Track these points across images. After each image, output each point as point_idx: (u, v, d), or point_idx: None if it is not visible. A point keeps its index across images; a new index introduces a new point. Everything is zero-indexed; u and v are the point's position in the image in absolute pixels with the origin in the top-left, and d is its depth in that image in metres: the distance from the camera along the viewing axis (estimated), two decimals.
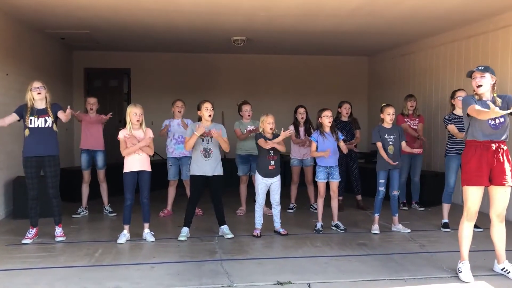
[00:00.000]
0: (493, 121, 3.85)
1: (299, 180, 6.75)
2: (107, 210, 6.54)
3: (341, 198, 6.84)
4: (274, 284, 3.83)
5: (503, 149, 3.90)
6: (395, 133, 5.47)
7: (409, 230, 5.54)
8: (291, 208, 6.79)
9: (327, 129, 5.52)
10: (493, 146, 3.87)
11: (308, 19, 6.73)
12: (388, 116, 5.44)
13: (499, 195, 3.92)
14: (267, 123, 5.30)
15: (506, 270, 4.00)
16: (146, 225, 5.23)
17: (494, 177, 3.89)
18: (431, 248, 4.90)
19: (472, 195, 3.91)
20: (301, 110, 6.58)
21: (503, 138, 3.91)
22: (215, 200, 5.37)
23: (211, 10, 6.25)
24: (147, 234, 5.19)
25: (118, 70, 10.15)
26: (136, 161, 5.10)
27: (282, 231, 5.41)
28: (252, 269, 4.24)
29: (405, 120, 6.74)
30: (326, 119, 5.48)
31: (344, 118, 6.76)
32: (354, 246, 4.98)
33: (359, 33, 7.73)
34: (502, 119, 3.86)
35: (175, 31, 7.62)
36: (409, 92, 7.41)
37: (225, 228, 5.35)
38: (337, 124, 6.44)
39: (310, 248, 4.90)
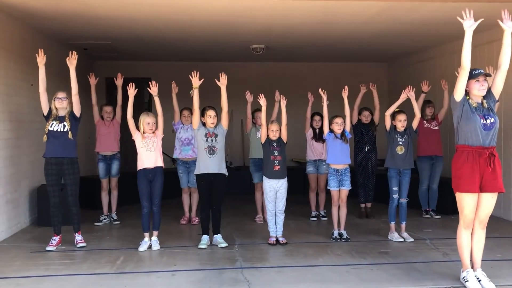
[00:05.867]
0: (484, 121, 3.80)
1: (317, 187, 6.74)
2: (112, 218, 6.61)
3: (369, 205, 6.80)
4: None
5: (494, 156, 3.84)
6: (406, 135, 5.48)
7: (412, 239, 5.43)
8: (314, 217, 6.76)
9: (338, 134, 5.59)
10: (486, 153, 3.81)
11: (326, 26, 6.73)
12: (400, 123, 5.46)
13: (486, 202, 3.86)
14: (270, 131, 5.37)
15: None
16: (155, 233, 5.27)
17: (486, 184, 3.82)
18: (455, 256, 4.77)
19: (468, 203, 3.85)
20: (317, 118, 6.63)
21: (493, 143, 3.84)
22: (215, 204, 5.31)
23: (229, 20, 6.31)
24: (154, 241, 5.22)
25: (139, 79, 10.27)
26: (149, 158, 5.18)
27: (282, 240, 5.36)
28: (272, 277, 4.23)
29: (425, 124, 6.75)
30: (336, 126, 5.54)
31: (365, 122, 6.83)
32: (376, 254, 4.93)
33: (378, 40, 7.69)
34: (493, 119, 3.82)
35: (194, 41, 7.70)
36: (429, 98, 7.33)
37: (218, 237, 5.31)
38: (358, 125, 6.73)
39: (330, 257, 4.87)
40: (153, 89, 5.44)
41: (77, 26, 6.63)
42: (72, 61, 5.20)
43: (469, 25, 3.72)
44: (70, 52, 5.24)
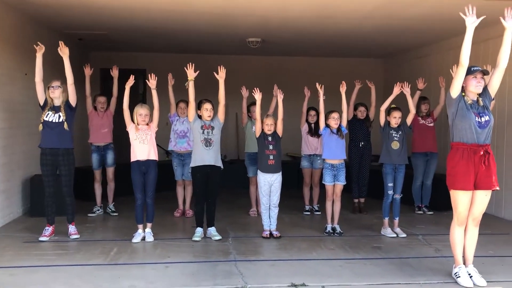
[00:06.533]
0: (479, 119, 3.82)
1: (311, 182, 6.76)
2: (109, 209, 6.59)
3: (363, 200, 6.83)
4: (288, 286, 3.83)
5: (489, 153, 3.87)
6: (400, 131, 5.52)
7: (405, 235, 5.47)
8: (308, 211, 6.79)
9: (334, 129, 5.60)
10: (481, 151, 3.83)
11: (323, 21, 6.72)
12: (394, 119, 5.50)
13: (480, 200, 3.90)
14: (265, 125, 5.37)
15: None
16: (149, 224, 5.27)
17: (480, 182, 3.85)
18: (447, 252, 4.81)
19: (462, 200, 3.88)
20: (312, 112, 6.64)
21: (488, 141, 3.87)
22: (210, 197, 5.31)
23: (226, 12, 6.28)
24: (147, 233, 5.21)
25: (134, 70, 10.17)
26: (142, 151, 5.16)
27: (275, 233, 5.38)
28: (266, 270, 4.24)
29: (420, 121, 6.78)
30: (332, 121, 5.55)
31: (360, 117, 6.85)
32: (369, 249, 4.96)
33: (375, 35, 7.69)
34: (487, 117, 3.85)
35: (191, 32, 7.66)
36: (424, 95, 7.36)
37: (212, 230, 5.31)
38: (353, 121, 6.71)
39: (324, 251, 4.89)
40: (152, 82, 5.40)
41: (73, 15, 6.56)
42: (64, 51, 5.13)
43: (472, 22, 3.71)
44: (60, 42, 5.18)
